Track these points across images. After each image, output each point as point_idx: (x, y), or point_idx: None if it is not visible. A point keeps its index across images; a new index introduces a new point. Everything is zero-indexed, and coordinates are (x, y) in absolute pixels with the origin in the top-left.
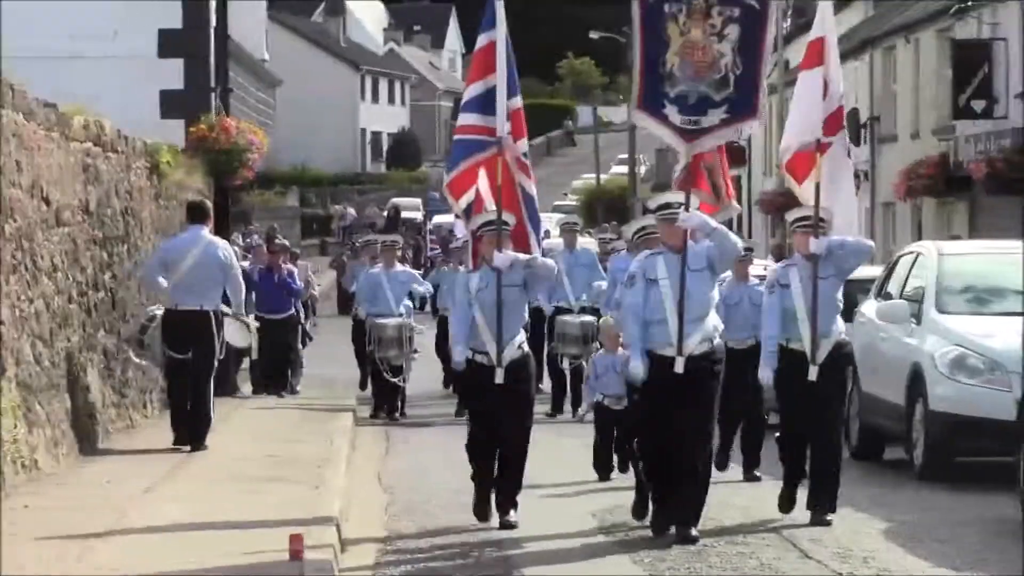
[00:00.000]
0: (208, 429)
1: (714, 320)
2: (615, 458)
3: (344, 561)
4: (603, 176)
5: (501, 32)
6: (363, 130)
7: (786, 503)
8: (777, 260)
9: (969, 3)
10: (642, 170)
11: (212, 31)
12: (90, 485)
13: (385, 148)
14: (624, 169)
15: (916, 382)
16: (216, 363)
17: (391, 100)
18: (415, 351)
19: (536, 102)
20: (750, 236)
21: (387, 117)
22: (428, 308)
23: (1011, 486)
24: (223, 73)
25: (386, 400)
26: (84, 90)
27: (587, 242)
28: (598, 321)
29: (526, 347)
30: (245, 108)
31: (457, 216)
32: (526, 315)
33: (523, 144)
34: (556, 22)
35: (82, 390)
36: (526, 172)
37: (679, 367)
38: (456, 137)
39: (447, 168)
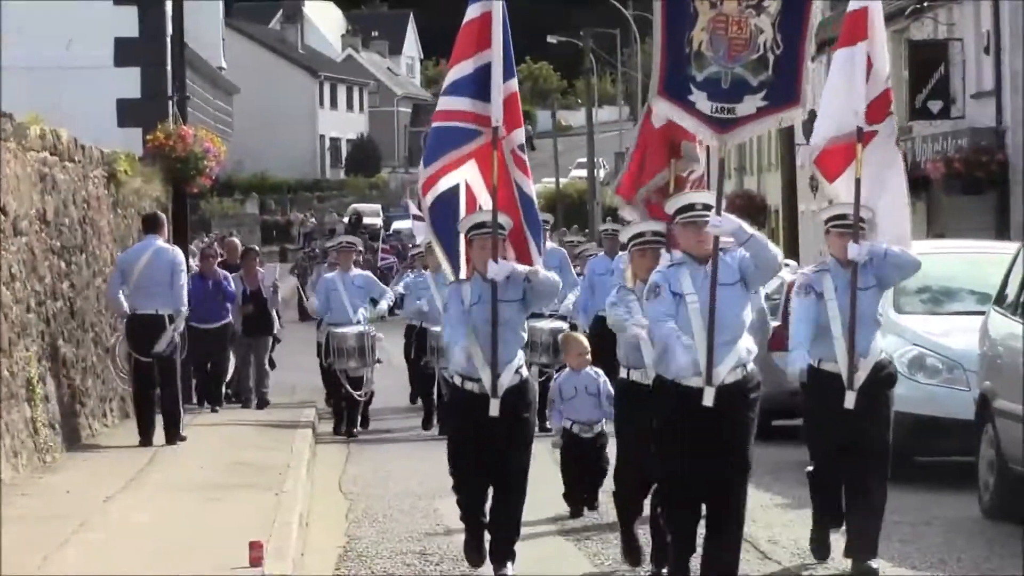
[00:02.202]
0: (180, 422)
1: (747, 343)
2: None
3: (304, 567)
4: (562, 180)
5: (498, 2)
6: (322, 136)
7: (821, 548)
8: None
9: (925, 3)
10: (601, 173)
11: (168, 39)
12: (50, 495)
13: (344, 154)
14: (583, 173)
15: None
16: (178, 362)
17: (350, 106)
18: (378, 360)
19: None
20: None
21: (346, 123)
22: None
23: (971, 485)
24: (180, 81)
25: (346, 416)
26: (41, 100)
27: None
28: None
29: (524, 371)
30: (203, 116)
31: (417, 218)
32: (524, 335)
33: (519, 135)
34: (513, 26)
35: (41, 400)
36: (524, 169)
37: (708, 399)
38: (436, 124)
39: (424, 160)
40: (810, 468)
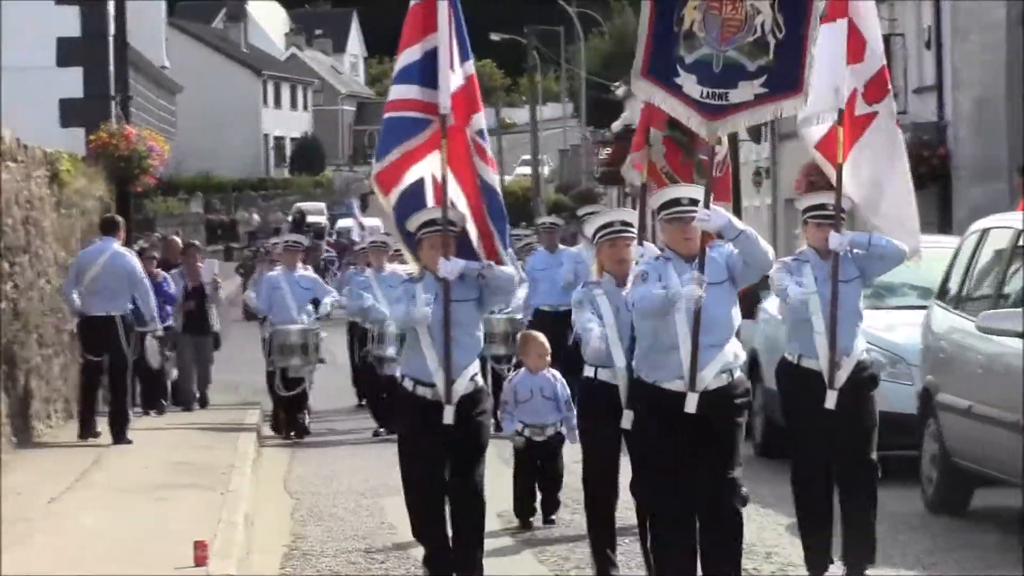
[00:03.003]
0: (127, 425)
1: (735, 347)
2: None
3: (250, 567)
4: (507, 177)
5: None
6: (266, 135)
7: (818, 557)
8: None
9: None
10: (545, 171)
11: (111, 39)
12: None
13: (288, 153)
14: (527, 170)
15: None
16: (129, 364)
17: (293, 105)
18: (321, 360)
19: None
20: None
21: (290, 122)
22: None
23: (914, 480)
24: (123, 81)
25: (289, 419)
26: None
27: None
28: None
29: (480, 379)
30: (146, 115)
31: (358, 220)
32: (481, 338)
33: (479, 120)
34: None
35: None
36: (484, 157)
37: (691, 406)
38: (388, 115)
39: (376, 155)
40: (792, 475)
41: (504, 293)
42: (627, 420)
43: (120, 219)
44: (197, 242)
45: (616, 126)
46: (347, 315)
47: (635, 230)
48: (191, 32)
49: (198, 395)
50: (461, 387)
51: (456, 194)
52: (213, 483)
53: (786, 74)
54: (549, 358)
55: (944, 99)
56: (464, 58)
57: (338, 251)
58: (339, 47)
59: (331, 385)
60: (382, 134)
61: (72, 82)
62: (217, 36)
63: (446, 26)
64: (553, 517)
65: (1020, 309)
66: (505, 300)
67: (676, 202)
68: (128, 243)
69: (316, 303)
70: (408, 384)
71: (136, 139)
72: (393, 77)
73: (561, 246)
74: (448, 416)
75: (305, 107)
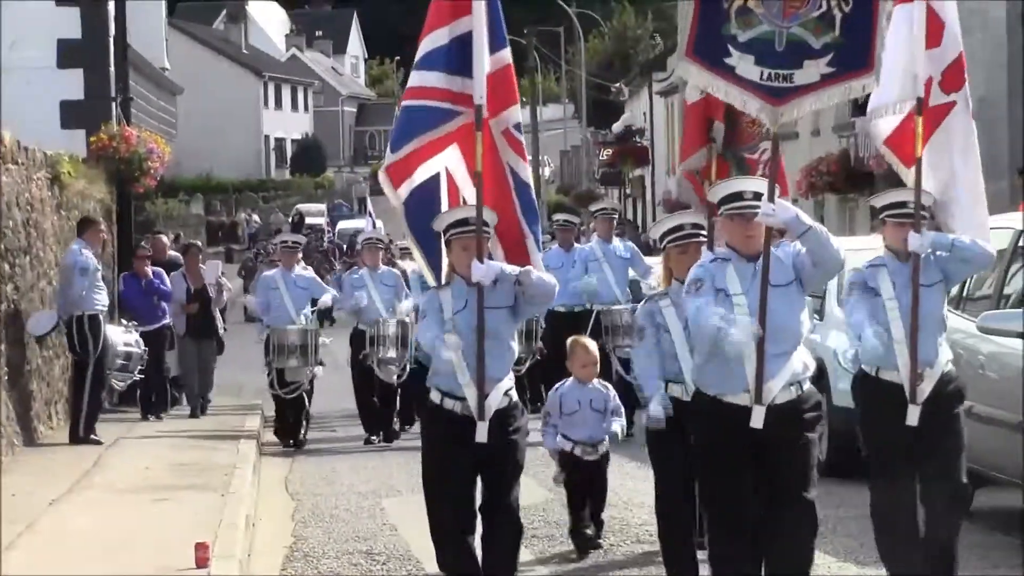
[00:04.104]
0: (82, 422)
1: (803, 355)
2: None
3: (251, 568)
4: None
5: None
6: (267, 136)
7: None
8: None
9: None
10: (547, 172)
11: (111, 40)
12: None
13: (289, 154)
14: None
15: (820, 377)
16: (92, 360)
17: (294, 106)
18: (321, 363)
19: None
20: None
21: (290, 123)
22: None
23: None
24: (123, 82)
25: (288, 423)
26: None
27: None
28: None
29: (515, 394)
30: (147, 117)
31: (372, 212)
32: (515, 349)
33: (514, 113)
34: None
35: None
36: (520, 151)
37: (757, 421)
38: (406, 103)
39: (391, 146)
40: (872, 502)
41: (543, 301)
42: None
43: (92, 220)
44: (197, 242)
45: (617, 127)
46: (342, 311)
47: (705, 233)
48: (191, 33)
49: (200, 401)
50: (494, 402)
51: (472, 195)
52: (214, 484)
53: (855, 51)
54: (597, 367)
55: None
56: (500, 46)
57: (337, 252)
58: (339, 48)
59: (332, 387)
60: (399, 123)
61: (73, 84)
62: (217, 37)
63: (482, 10)
64: (600, 541)
65: (1021, 310)
66: (542, 309)
67: (738, 196)
68: (129, 245)
69: (315, 302)
70: (435, 396)
71: (136, 141)
72: (415, 63)
73: (577, 245)
74: (481, 434)
75: (306, 108)
